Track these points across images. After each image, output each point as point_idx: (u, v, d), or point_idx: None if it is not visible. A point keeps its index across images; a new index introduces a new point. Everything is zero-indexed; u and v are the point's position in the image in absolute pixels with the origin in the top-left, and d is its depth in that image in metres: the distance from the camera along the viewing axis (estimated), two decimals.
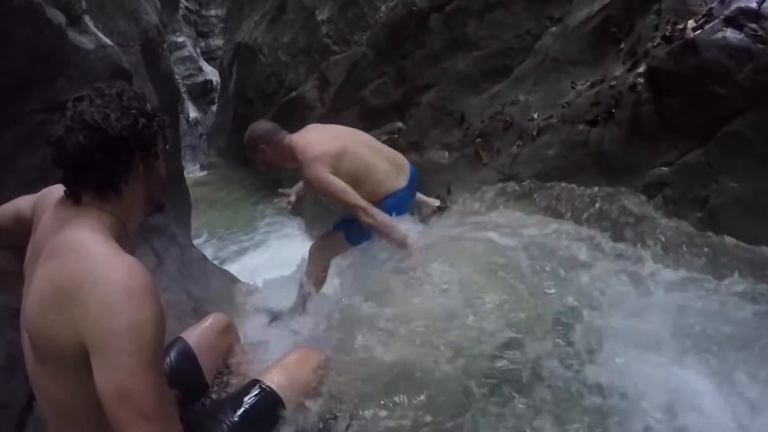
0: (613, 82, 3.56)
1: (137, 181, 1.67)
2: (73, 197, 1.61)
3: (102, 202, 1.61)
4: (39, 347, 1.52)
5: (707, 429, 1.97)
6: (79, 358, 1.42)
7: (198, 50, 16.77)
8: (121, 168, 1.62)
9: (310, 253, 3.95)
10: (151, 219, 3.56)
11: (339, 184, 3.42)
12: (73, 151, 1.54)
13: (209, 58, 16.70)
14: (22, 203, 1.87)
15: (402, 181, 3.73)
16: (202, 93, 15.88)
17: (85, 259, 1.47)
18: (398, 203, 3.65)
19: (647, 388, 2.10)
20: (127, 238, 1.66)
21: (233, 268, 5.35)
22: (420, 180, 4.06)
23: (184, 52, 15.91)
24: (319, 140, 3.59)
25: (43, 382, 1.57)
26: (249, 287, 4.18)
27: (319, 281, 3.86)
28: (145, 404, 1.38)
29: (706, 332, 2.37)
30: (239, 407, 2.03)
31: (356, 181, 3.52)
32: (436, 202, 4.39)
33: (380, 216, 3.43)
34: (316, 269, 3.88)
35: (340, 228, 3.87)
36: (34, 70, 2.94)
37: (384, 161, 3.74)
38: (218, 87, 13.58)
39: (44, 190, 1.81)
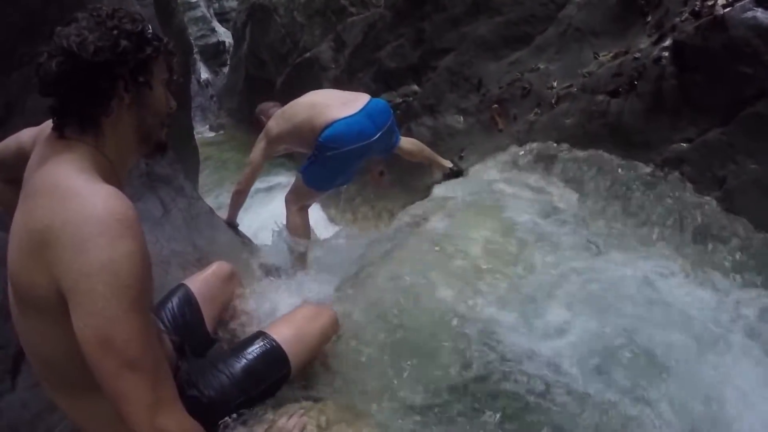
0: (637, 55, 3.49)
1: (125, 114, 1.52)
2: (57, 129, 1.48)
3: (86, 136, 1.48)
4: (20, 296, 1.42)
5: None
6: (58, 307, 1.31)
7: (211, 11, 16.54)
8: (99, 97, 1.46)
9: (285, 201, 4.06)
10: (159, 168, 3.51)
11: (254, 156, 4.09)
12: (48, 78, 1.42)
13: (222, 19, 16.47)
14: (25, 136, 1.74)
15: (343, 112, 3.75)
16: (214, 54, 15.69)
17: (57, 196, 1.35)
18: (338, 131, 3.71)
19: None
20: (117, 180, 1.51)
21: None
22: (386, 113, 3.98)
23: (197, 12, 15.67)
24: (275, 115, 4.08)
25: (25, 331, 1.48)
26: (255, 247, 4.17)
27: (302, 229, 3.96)
28: (129, 352, 1.27)
29: None
30: (241, 359, 1.94)
31: (297, 126, 3.87)
32: (449, 164, 4.38)
33: (234, 202, 4.20)
34: (293, 218, 3.98)
35: (300, 171, 4.01)
36: (46, 10, 2.87)
37: (329, 101, 3.89)
38: (231, 49, 13.42)
39: (46, 122, 1.62)
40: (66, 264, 1.27)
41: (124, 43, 1.46)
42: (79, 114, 1.46)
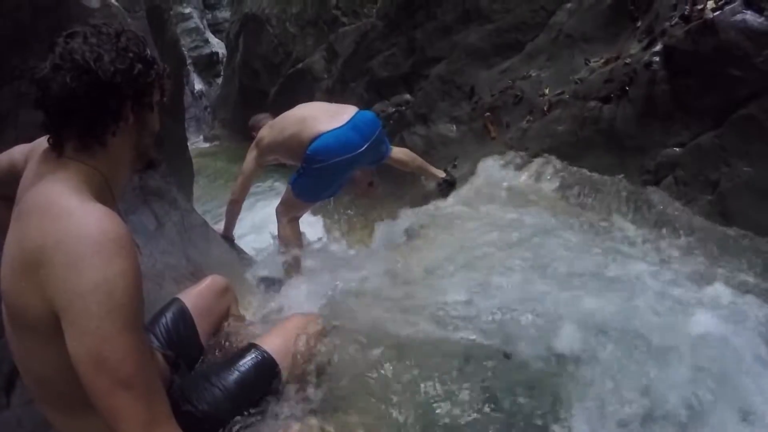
0: (628, 60, 3.51)
1: (126, 134, 1.52)
2: (55, 147, 1.46)
3: (84, 155, 1.45)
4: (12, 315, 1.40)
5: None
6: (52, 327, 1.29)
7: (204, 22, 16.55)
8: (109, 117, 1.46)
9: (276, 213, 4.07)
10: (152, 182, 3.50)
11: (246, 165, 4.15)
12: (57, 93, 1.39)
13: (216, 30, 16.47)
14: (16, 152, 1.72)
15: (330, 125, 3.77)
16: (207, 65, 15.69)
17: (51, 215, 1.33)
18: (325, 144, 3.72)
19: None
20: (112, 196, 1.51)
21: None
22: (373, 125, 3.96)
23: (191, 24, 15.67)
24: (268, 129, 4.10)
25: (18, 350, 1.46)
26: (249, 258, 4.16)
27: (293, 240, 3.98)
28: (123, 370, 1.25)
29: None
30: (234, 371, 1.93)
31: (286, 139, 3.90)
32: (441, 174, 4.38)
33: (229, 214, 4.28)
34: (284, 229, 4.00)
35: (289, 183, 4.01)
36: (36, 23, 2.86)
37: (317, 114, 3.91)
38: (224, 59, 13.44)
39: (40, 139, 1.60)
40: (59, 284, 1.26)
41: (138, 66, 1.47)
42: (85, 132, 1.45)
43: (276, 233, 4.07)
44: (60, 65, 1.40)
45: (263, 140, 4.08)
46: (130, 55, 1.46)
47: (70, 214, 1.32)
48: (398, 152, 4.37)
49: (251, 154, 4.16)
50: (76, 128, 1.44)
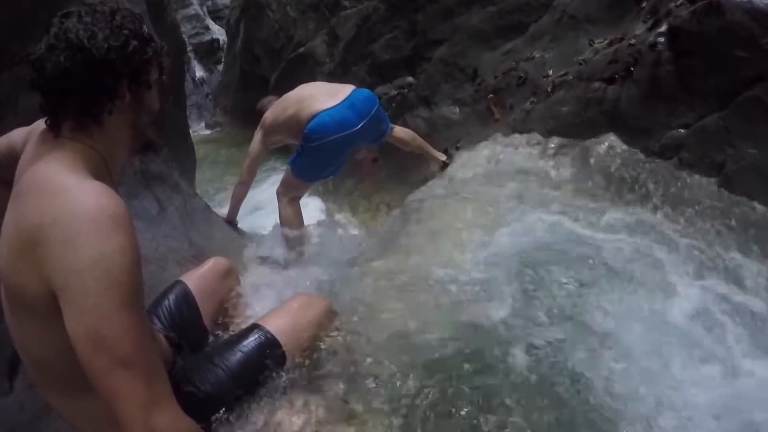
0: (633, 41, 3.48)
1: (123, 113, 1.51)
2: (52, 128, 1.45)
3: (81, 135, 1.45)
4: (11, 295, 1.39)
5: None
6: (50, 307, 1.28)
7: (205, 9, 16.45)
8: (105, 95, 1.45)
9: (276, 194, 4.11)
10: (154, 166, 3.50)
11: (252, 147, 4.17)
12: (52, 73, 1.38)
13: (216, 17, 16.37)
14: (15, 136, 1.71)
15: (327, 103, 3.84)
16: (208, 52, 15.61)
17: (48, 193, 1.32)
18: (321, 122, 3.80)
19: None
20: (110, 176, 1.50)
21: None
22: (370, 102, 4.01)
23: (191, 11, 15.58)
24: (271, 110, 4.15)
25: (17, 331, 1.45)
26: (253, 241, 4.15)
27: (294, 220, 4.05)
28: (121, 349, 1.23)
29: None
30: (237, 352, 1.91)
31: (287, 119, 3.97)
32: (443, 157, 4.39)
33: (236, 196, 4.28)
34: (285, 210, 4.04)
35: (288, 163, 4.12)
36: (37, 9, 2.84)
37: (315, 93, 3.99)
38: (225, 46, 13.38)
39: (38, 121, 1.59)
40: (57, 261, 1.25)
41: (133, 43, 1.46)
42: (81, 111, 1.43)
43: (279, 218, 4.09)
44: (55, 45, 1.39)
45: (266, 120, 4.14)
46: (125, 32, 1.45)
47: (67, 192, 1.31)
48: (399, 131, 4.40)
49: (257, 136, 4.20)
50: (72, 108, 1.43)
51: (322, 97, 3.92)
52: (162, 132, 4.00)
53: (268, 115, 4.14)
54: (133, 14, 1.50)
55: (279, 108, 4.08)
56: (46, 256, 1.26)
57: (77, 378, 1.32)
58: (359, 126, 3.88)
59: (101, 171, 1.46)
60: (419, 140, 4.45)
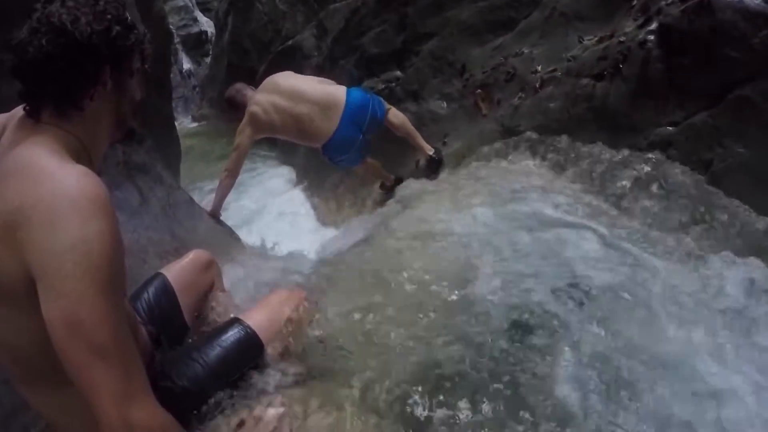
0: (623, 38, 3.47)
1: (104, 100, 1.49)
2: (32, 114, 1.42)
3: (61, 120, 1.42)
4: None
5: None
6: (28, 294, 1.24)
7: (193, 0, 16.40)
8: (87, 80, 1.43)
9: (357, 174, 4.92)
10: (136, 157, 3.45)
11: (242, 141, 4.24)
12: (34, 57, 1.36)
13: (204, 8, 16.32)
14: None
15: (330, 127, 4.20)
16: (196, 44, 15.55)
17: (29, 177, 1.29)
18: (334, 148, 4.29)
19: None
20: (90, 163, 1.45)
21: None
22: (365, 106, 4.28)
23: (179, 2, 15.52)
24: (257, 102, 4.28)
25: None
26: (236, 235, 4.13)
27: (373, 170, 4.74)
28: (98, 337, 1.21)
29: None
30: (216, 347, 1.87)
31: (294, 131, 4.30)
32: (430, 150, 4.43)
33: (221, 189, 4.27)
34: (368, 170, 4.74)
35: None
36: None
37: (312, 112, 4.23)
38: (213, 38, 13.33)
39: (17, 108, 1.53)
40: (36, 244, 1.22)
41: (116, 28, 1.44)
42: (62, 96, 1.41)
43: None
44: (37, 29, 1.37)
45: (259, 117, 4.26)
46: (108, 17, 1.43)
47: (48, 175, 1.28)
48: (392, 115, 4.52)
49: (247, 131, 4.27)
50: (53, 92, 1.41)
51: (318, 117, 4.22)
52: (146, 123, 3.96)
53: (260, 113, 4.25)
54: (116, 0, 1.48)
55: (275, 108, 4.26)
56: (26, 240, 1.23)
57: (55, 371, 1.29)
58: (362, 136, 4.28)
59: (81, 157, 1.43)
60: (409, 126, 4.54)
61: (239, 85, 4.61)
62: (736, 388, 1.83)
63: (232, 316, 2.10)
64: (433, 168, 4.36)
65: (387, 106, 4.47)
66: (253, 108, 4.27)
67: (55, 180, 1.27)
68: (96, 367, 1.21)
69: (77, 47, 1.38)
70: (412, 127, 4.52)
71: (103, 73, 1.45)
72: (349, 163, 4.56)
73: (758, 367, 1.94)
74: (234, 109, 4.49)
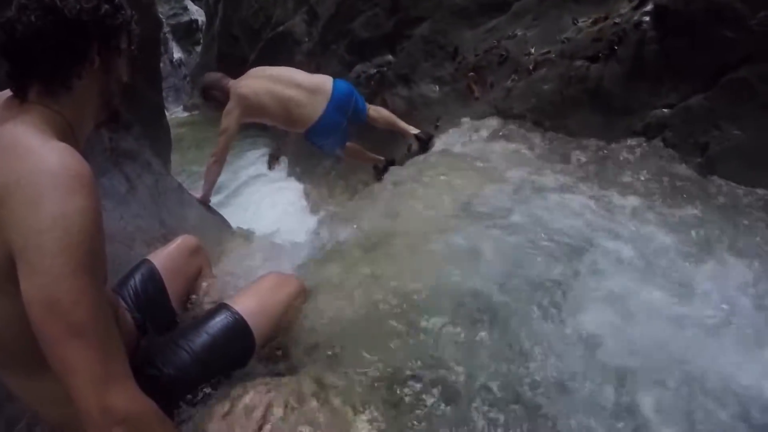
0: (618, 20, 3.44)
1: (92, 78, 1.49)
2: (19, 94, 1.43)
3: (48, 99, 1.43)
4: None
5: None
6: (8, 275, 1.23)
7: None
8: (75, 58, 1.44)
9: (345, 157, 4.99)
10: (124, 143, 3.42)
11: (229, 124, 4.24)
12: (22, 34, 1.36)
13: None
14: None
15: (315, 113, 4.35)
16: (186, 33, 15.49)
17: (14, 154, 1.28)
18: (318, 133, 4.44)
19: None
20: (76, 142, 1.45)
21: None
22: (349, 96, 4.46)
23: None
24: (245, 85, 4.35)
25: None
26: (226, 221, 4.09)
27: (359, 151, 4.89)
28: (75, 315, 1.19)
29: None
30: (203, 333, 1.83)
31: (281, 115, 4.39)
32: (414, 130, 4.52)
33: (210, 174, 4.25)
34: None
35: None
36: None
37: (300, 97, 4.37)
38: (203, 27, 13.27)
39: (5, 91, 1.54)
40: (18, 220, 1.21)
41: (105, 6, 1.46)
42: (50, 74, 1.42)
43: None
44: (26, 5, 1.38)
45: (248, 99, 4.30)
46: None
47: (32, 153, 1.28)
48: (372, 110, 4.65)
49: (234, 113, 4.28)
50: (41, 70, 1.42)
51: (306, 102, 4.36)
52: (134, 110, 3.92)
53: (251, 95, 4.32)
54: None
55: (262, 92, 4.35)
56: (9, 215, 1.22)
57: (33, 356, 1.26)
58: (345, 123, 4.45)
59: (67, 136, 1.43)
60: (388, 117, 4.63)
61: (217, 74, 4.67)
62: None
63: (220, 301, 2.04)
64: (423, 146, 4.38)
65: (367, 105, 4.68)
66: (241, 90, 4.30)
67: (38, 157, 1.27)
68: (72, 347, 1.19)
69: (66, 24, 1.39)
70: (392, 115, 4.65)
71: (91, 50, 1.47)
72: (330, 147, 4.70)
73: None
74: (212, 98, 4.52)
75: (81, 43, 1.44)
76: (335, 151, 4.82)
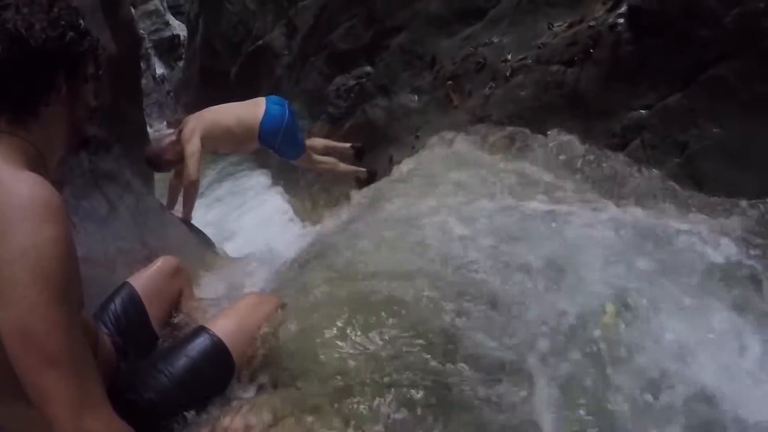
0: (592, 23, 3.42)
1: (59, 105, 1.49)
2: None
3: (17, 127, 1.41)
4: None
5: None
6: None
7: (164, 4, 16.28)
8: (42, 86, 1.43)
9: (299, 166, 5.44)
10: (103, 164, 3.39)
11: (194, 147, 4.39)
12: None
13: (176, 12, 16.22)
14: None
15: (260, 112, 4.72)
16: (169, 48, 15.48)
17: None
18: (270, 128, 4.73)
19: None
20: (45, 170, 1.45)
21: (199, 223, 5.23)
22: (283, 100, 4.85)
23: (150, 6, 15.46)
24: (194, 127, 4.51)
25: None
26: (209, 240, 4.08)
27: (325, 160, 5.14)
28: (49, 346, 1.20)
29: None
30: (182, 357, 1.83)
31: (232, 137, 4.72)
32: (346, 146, 5.10)
33: (190, 197, 4.41)
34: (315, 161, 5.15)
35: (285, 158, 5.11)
36: None
37: (238, 110, 4.80)
38: (185, 42, 13.24)
39: None
40: None
41: (70, 34, 1.46)
42: (18, 103, 1.41)
43: None
44: None
45: (201, 122, 4.61)
46: (62, 23, 1.45)
47: (1, 183, 1.27)
48: (309, 143, 5.18)
49: (194, 138, 4.47)
50: (7, 99, 1.41)
51: (245, 111, 4.79)
52: (114, 129, 3.90)
53: (203, 119, 4.65)
54: (70, 6, 1.50)
55: (207, 120, 4.64)
56: None
57: (13, 383, 1.26)
58: (288, 114, 4.80)
59: (37, 165, 1.42)
60: (323, 142, 5.30)
61: (156, 143, 5.06)
62: None
63: (199, 324, 2.04)
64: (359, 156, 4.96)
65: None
66: (191, 123, 4.57)
67: (6, 187, 1.27)
68: (48, 376, 1.20)
69: (32, 53, 1.39)
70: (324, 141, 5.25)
71: (58, 78, 1.46)
72: (291, 151, 4.95)
73: None
74: (162, 161, 4.68)
75: (47, 72, 1.44)
76: (299, 154, 5.01)
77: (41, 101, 1.44)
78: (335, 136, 5.45)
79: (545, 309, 2.09)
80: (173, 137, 4.57)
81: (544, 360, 1.89)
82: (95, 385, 1.28)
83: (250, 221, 5.68)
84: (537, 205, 2.87)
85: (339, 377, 1.77)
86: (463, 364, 1.83)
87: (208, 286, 2.71)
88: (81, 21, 1.51)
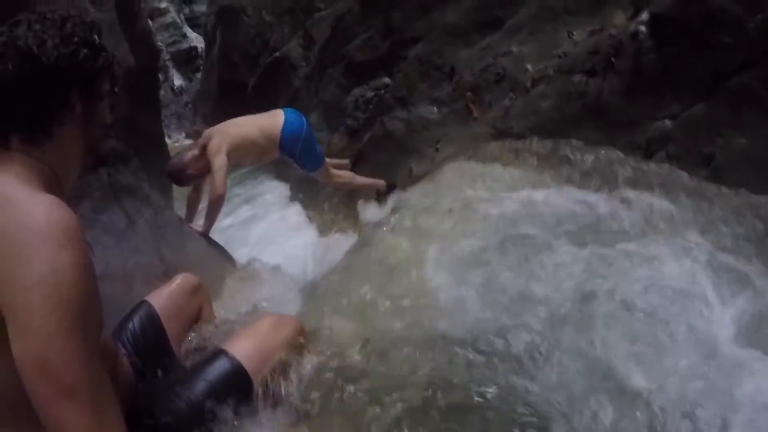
0: (613, 31, 3.40)
1: (74, 124, 1.45)
2: (0, 143, 1.38)
3: (31, 147, 1.38)
4: None
5: None
6: (2, 332, 1.19)
7: (182, 16, 16.43)
8: (55, 104, 1.40)
9: (324, 183, 5.35)
10: (122, 178, 3.38)
11: (221, 161, 4.30)
12: (0, 82, 1.33)
13: (194, 24, 16.36)
14: None
15: (279, 121, 4.76)
16: (186, 60, 15.61)
17: None
18: (291, 136, 4.76)
19: None
20: (61, 190, 1.43)
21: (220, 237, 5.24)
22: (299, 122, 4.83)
23: (168, 19, 15.61)
24: (220, 142, 4.42)
25: None
26: (229, 255, 4.05)
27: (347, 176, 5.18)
28: (67, 376, 1.15)
29: None
30: (200, 381, 1.81)
31: (255, 148, 4.72)
32: (345, 161, 5.20)
33: (213, 211, 4.26)
34: (339, 179, 5.16)
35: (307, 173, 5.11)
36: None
37: (258, 121, 4.82)
38: (203, 54, 13.32)
39: None
40: (5, 277, 1.18)
41: (84, 51, 1.42)
42: (31, 122, 1.38)
43: None
44: (3, 53, 1.34)
45: (225, 135, 4.53)
46: (75, 39, 1.41)
47: (17, 205, 1.25)
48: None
49: (221, 152, 4.39)
50: (21, 118, 1.37)
51: (265, 121, 4.80)
52: (132, 142, 3.90)
53: (228, 133, 4.57)
54: (84, 22, 1.47)
55: (231, 132, 4.59)
56: None
57: (28, 410, 1.21)
58: (305, 125, 4.84)
59: (52, 185, 1.39)
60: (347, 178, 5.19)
61: (178, 156, 4.79)
62: None
63: (218, 346, 2.01)
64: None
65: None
66: (216, 137, 4.47)
67: (23, 211, 1.24)
68: (65, 407, 1.16)
69: (44, 71, 1.36)
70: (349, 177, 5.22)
71: (72, 96, 1.42)
72: (311, 161, 4.93)
73: None
74: (184, 175, 4.58)
75: (60, 90, 1.40)
76: (319, 165, 4.99)
77: (55, 120, 1.40)
78: (353, 149, 5.44)
79: None
80: (196, 152, 4.50)
81: None
82: (113, 416, 1.24)
83: (269, 234, 5.65)
84: None
85: (361, 406, 1.74)
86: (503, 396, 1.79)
87: (227, 303, 2.67)
88: (96, 37, 1.48)
